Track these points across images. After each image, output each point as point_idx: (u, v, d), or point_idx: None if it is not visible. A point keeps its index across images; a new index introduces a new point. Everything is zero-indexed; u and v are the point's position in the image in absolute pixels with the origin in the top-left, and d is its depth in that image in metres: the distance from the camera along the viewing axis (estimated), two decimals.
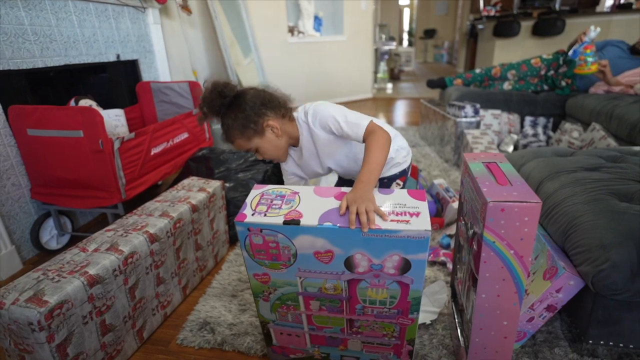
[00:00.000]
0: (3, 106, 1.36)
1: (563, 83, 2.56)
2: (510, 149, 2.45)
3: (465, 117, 2.20)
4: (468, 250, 0.85)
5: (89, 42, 1.72)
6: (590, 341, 0.90)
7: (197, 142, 1.91)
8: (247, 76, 3.30)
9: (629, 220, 0.84)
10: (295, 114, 1.01)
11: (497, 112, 2.55)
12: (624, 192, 0.97)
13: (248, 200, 0.79)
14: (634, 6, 3.82)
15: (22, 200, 1.45)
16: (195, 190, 1.29)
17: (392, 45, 6.53)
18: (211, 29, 2.97)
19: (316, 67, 4.33)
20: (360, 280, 0.75)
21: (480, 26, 5.34)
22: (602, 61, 2.20)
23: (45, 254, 1.52)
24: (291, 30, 4.16)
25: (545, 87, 2.70)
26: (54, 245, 1.55)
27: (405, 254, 0.69)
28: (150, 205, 1.18)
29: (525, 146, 2.47)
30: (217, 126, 2.55)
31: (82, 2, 1.67)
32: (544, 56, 2.67)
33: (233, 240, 1.52)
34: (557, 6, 4.23)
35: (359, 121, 0.91)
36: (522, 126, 2.62)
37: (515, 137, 2.49)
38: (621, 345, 0.88)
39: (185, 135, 1.79)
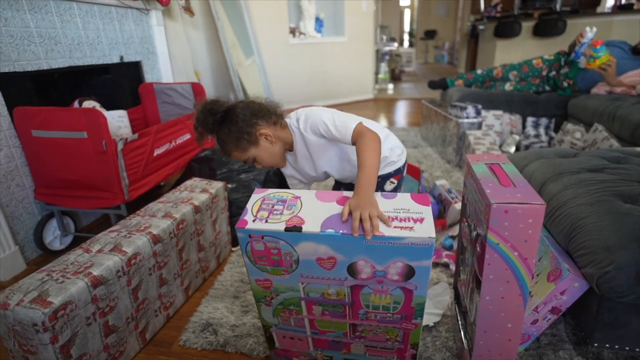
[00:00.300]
0: (8, 107, 1.37)
1: (565, 84, 2.56)
2: (512, 149, 2.45)
3: (467, 118, 2.20)
4: (471, 252, 0.85)
5: (93, 44, 1.73)
6: (596, 344, 0.89)
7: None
8: (249, 77, 3.31)
9: (634, 222, 0.84)
10: (287, 120, 1.03)
11: (499, 112, 2.55)
12: (628, 193, 0.97)
13: (249, 205, 0.78)
14: (635, 7, 3.81)
15: (26, 200, 1.46)
16: (198, 192, 1.29)
17: (393, 46, 6.53)
18: (213, 31, 2.98)
19: (317, 68, 4.34)
20: (363, 286, 0.74)
21: (481, 27, 5.34)
22: (612, 58, 2.19)
23: (49, 254, 1.52)
24: (292, 32, 4.17)
25: (547, 88, 2.70)
26: (57, 245, 1.55)
27: (409, 260, 0.69)
28: (153, 206, 1.19)
29: (527, 147, 2.47)
30: None
31: (86, 5, 1.68)
32: (546, 57, 2.67)
33: (235, 241, 1.52)
34: (557, 7, 4.23)
35: (347, 123, 0.91)
36: (524, 127, 2.62)
37: (517, 137, 2.49)
38: (627, 348, 0.88)
39: (187, 136, 1.80)
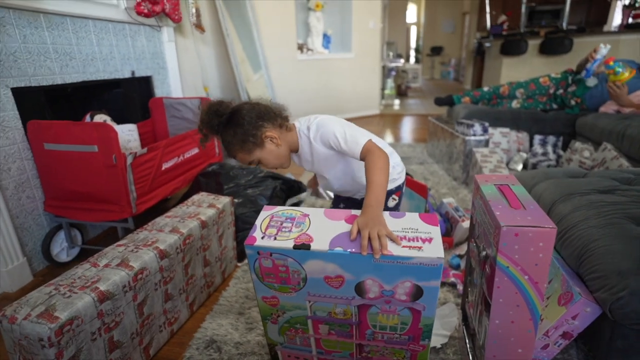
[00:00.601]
0: (22, 121, 1.40)
1: (572, 102, 2.56)
2: (520, 167, 2.44)
3: (474, 135, 2.20)
4: (480, 273, 0.84)
5: (106, 59, 1.77)
6: None
7: (207, 157, 1.93)
8: (257, 92, 3.35)
9: None
10: (296, 124, 1.03)
11: (506, 130, 2.55)
12: None
13: (258, 222, 0.78)
14: None
15: (35, 212, 1.47)
16: (205, 206, 1.30)
17: (400, 63, 6.61)
18: (223, 47, 3.04)
19: (324, 84, 4.39)
20: (370, 305, 0.73)
21: (487, 44, 5.40)
22: (634, 72, 2.15)
23: (55, 266, 1.53)
24: (300, 48, 4.24)
25: (554, 106, 2.69)
26: (64, 257, 1.56)
27: (418, 280, 0.68)
28: (160, 220, 1.19)
29: (534, 165, 2.45)
30: None
31: (101, 22, 1.73)
32: (553, 75, 2.67)
33: (241, 256, 1.52)
34: (564, 25, 4.27)
35: (357, 139, 0.92)
36: (531, 145, 2.61)
37: (524, 155, 2.48)
38: None
39: (195, 151, 1.82)
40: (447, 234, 1.59)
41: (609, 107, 2.33)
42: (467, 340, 0.98)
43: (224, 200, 1.36)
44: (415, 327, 0.75)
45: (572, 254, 0.94)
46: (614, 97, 2.22)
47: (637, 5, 3.92)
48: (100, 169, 1.35)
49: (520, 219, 0.68)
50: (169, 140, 1.61)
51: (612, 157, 1.86)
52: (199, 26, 2.61)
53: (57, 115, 1.60)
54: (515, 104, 2.79)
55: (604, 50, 2.25)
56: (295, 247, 0.70)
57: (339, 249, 0.69)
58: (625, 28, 4.06)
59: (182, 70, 2.41)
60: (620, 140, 1.89)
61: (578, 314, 0.84)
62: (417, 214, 0.79)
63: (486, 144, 2.22)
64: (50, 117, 1.53)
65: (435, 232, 0.72)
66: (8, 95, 1.35)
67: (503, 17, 5.03)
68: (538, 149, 2.50)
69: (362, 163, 1.05)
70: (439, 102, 3.15)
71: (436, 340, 1.03)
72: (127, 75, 1.92)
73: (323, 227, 0.75)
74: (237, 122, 0.93)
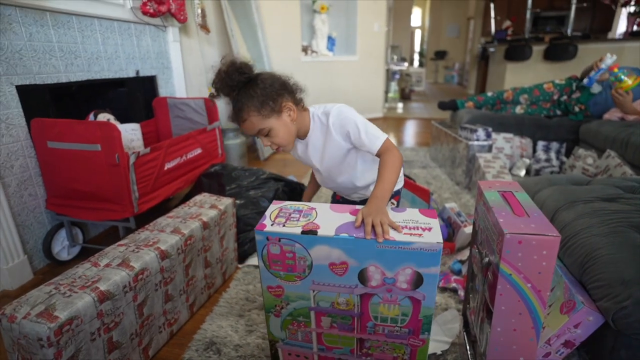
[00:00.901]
0: (26, 119, 1.40)
1: (576, 109, 2.55)
2: (523, 173, 2.43)
3: (477, 140, 2.19)
4: (482, 279, 0.84)
5: (111, 58, 1.78)
6: None
7: (210, 157, 1.93)
8: None
9: None
10: (311, 108, 1.01)
11: (509, 135, 2.54)
12: None
13: (267, 212, 0.82)
14: None
15: (37, 210, 1.47)
16: (207, 207, 1.30)
17: (404, 66, 6.61)
18: (228, 48, 3.05)
19: (328, 86, 4.40)
20: (372, 295, 0.76)
21: (491, 49, 5.39)
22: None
23: (55, 264, 1.53)
24: (305, 50, 4.24)
25: (558, 112, 2.69)
26: (64, 256, 1.56)
27: (418, 267, 0.71)
28: (162, 220, 1.19)
29: (537, 171, 2.44)
30: (229, 142, 2.59)
31: (107, 21, 1.74)
32: (557, 81, 2.67)
33: (242, 258, 1.51)
34: (568, 32, 4.26)
35: (378, 134, 0.93)
36: (534, 150, 2.60)
37: (527, 161, 2.47)
38: None
39: (198, 151, 1.82)
40: (449, 239, 1.58)
41: (612, 114, 2.32)
42: (468, 347, 0.97)
43: (226, 202, 1.36)
44: (415, 318, 0.76)
45: (575, 262, 0.94)
46: (618, 104, 2.21)
47: None
48: (103, 168, 1.35)
49: (524, 226, 0.68)
50: (172, 140, 1.61)
51: (616, 165, 1.85)
52: (204, 27, 2.61)
53: (61, 114, 1.60)
54: (519, 109, 2.78)
55: (609, 60, 2.24)
56: (303, 232, 0.73)
57: (344, 235, 0.72)
58: (630, 35, 4.06)
59: (186, 70, 2.41)
60: (624, 148, 1.89)
61: (580, 322, 0.84)
62: (417, 209, 0.82)
63: (489, 149, 2.21)
64: (54, 116, 1.54)
65: (435, 223, 0.76)
66: (13, 93, 1.35)
67: (507, 23, 5.03)
68: (541, 155, 2.49)
69: (365, 167, 1.05)
70: (442, 106, 3.14)
71: (437, 347, 1.02)
72: (132, 74, 1.92)
73: (329, 217, 0.79)
74: (258, 84, 0.90)
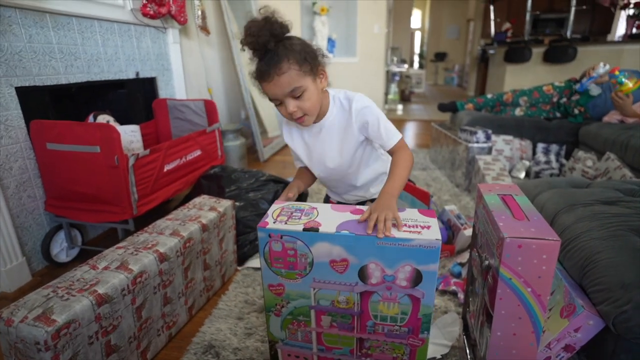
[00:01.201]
0: (26, 120, 1.40)
1: (576, 111, 2.55)
2: (522, 175, 2.43)
3: (477, 142, 2.19)
4: (482, 283, 0.83)
5: (111, 60, 1.78)
6: None
7: (210, 159, 1.93)
8: (260, 94, 3.36)
9: None
10: (331, 92, 0.96)
11: (509, 137, 2.54)
12: None
13: (270, 211, 0.83)
14: None
15: (36, 212, 1.47)
16: (206, 209, 1.29)
17: (404, 68, 6.61)
18: (228, 49, 3.05)
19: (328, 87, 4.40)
20: (372, 293, 0.76)
21: (491, 51, 5.40)
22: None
23: (54, 266, 1.52)
24: None
25: (558, 114, 2.69)
26: (63, 257, 1.56)
27: (417, 264, 0.72)
28: (161, 223, 1.19)
29: (537, 173, 2.44)
30: (228, 143, 2.59)
31: (107, 23, 1.74)
32: (556, 83, 2.67)
33: (241, 260, 1.51)
34: (568, 34, 4.27)
35: (395, 131, 0.94)
36: (534, 153, 2.60)
37: (527, 163, 2.47)
38: None
39: (198, 153, 1.81)
40: (448, 241, 1.58)
41: (612, 117, 2.32)
42: (467, 351, 0.97)
43: (225, 204, 1.36)
44: (415, 317, 0.77)
45: (575, 266, 0.93)
46: (618, 107, 2.21)
47: None
48: (102, 169, 1.35)
49: (523, 230, 0.68)
50: (171, 142, 1.61)
51: (615, 167, 1.85)
52: (204, 28, 2.61)
53: (61, 115, 1.60)
54: (518, 111, 2.79)
55: (601, 69, 2.29)
56: (305, 229, 0.74)
57: (345, 232, 0.73)
58: (629, 38, 4.06)
59: (186, 72, 2.41)
60: (623, 150, 1.89)
61: (581, 326, 0.83)
62: (416, 209, 0.83)
63: (489, 151, 2.21)
64: (54, 117, 1.54)
65: (433, 222, 0.76)
66: (12, 95, 1.35)
67: (507, 25, 5.04)
68: (541, 157, 2.49)
69: (368, 164, 1.03)
70: (442, 108, 3.15)
71: (437, 351, 1.02)
72: (132, 76, 1.92)
73: (330, 216, 0.80)
74: (300, 40, 0.85)
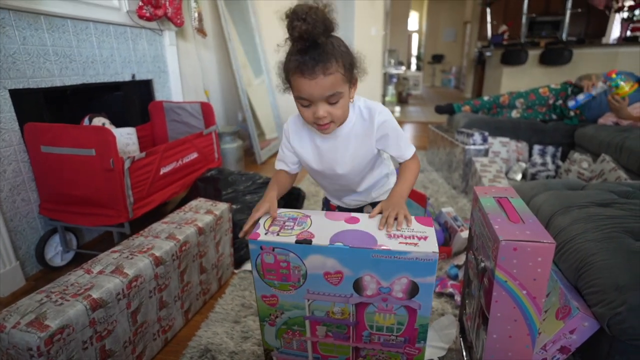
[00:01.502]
0: (20, 123, 1.39)
1: (571, 113, 2.56)
2: (519, 177, 2.44)
3: (474, 144, 2.20)
4: (478, 285, 0.83)
5: (107, 62, 1.77)
6: None
7: (206, 162, 1.92)
8: (257, 96, 3.35)
9: None
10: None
11: (506, 139, 2.55)
12: (638, 230, 0.95)
13: (261, 221, 0.81)
14: None
15: (30, 215, 1.46)
16: (203, 212, 1.29)
17: (401, 70, 6.64)
18: (224, 51, 3.04)
19: None
20: (368, 304, 0.75)
21: (488, 53, 5.43)
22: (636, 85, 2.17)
23: (48, 270, 1.51)
24: None
25: (554, 117, 2.70)
26: (58, 261, 1.54)
27: (414, 276, 0.70)
28: (157, 226, 1.18)
29: (533, 175, 2.45)
30: (225, 146, 2.58)
31: (103, 25, 1.73)
32: (552, 86, 2.69)
33: (238, 263, 1.50)
34: (563, 36, 4.30)
35: (409, 143, 0.97)
36: (530, 154, 2.61)
37: (523, 165, 2.48)
38: None
39: (194, 155, 1.81)
40: (445, 243, 1.58)
41: (607, 119, 2.34)
42: (464, 353, 0.97)
43: (221, 207, 1.35)
44: (411, 327, 0.76)
45: (570, 267, 0.94)
46: (614, 109, 2.23)
47: (635, 18, 3.95)
48: (98, 172, 1.34)
49: (519, 233, 0.68)
50: (167, 144, 1.61)
51: (611, 169, 1.86)
52: (201, 30, 2.61)
53: (56, 118, 1.59)
54: (515, 113, 2.80)
55: (599, 89, 2.29)
56: (298, 241, 0.72)
57: (339, 244, 0.71)
58: (623, 41, 4.09)
59: (183, 74, 2.41)
60: (618, 152, 1.90)
61: (576, 328, 0.83)
62: (413, 217, 0.81)
63: (486, 153, 2.22)
64: (49, 120, 1.53)
65: (430, 232, 0.75)
66: (5, 97, 1.34)
67: (504, 27, 5.06)
68: (537, 159, 2.51)
69: (371, 176, 1.02)
70: (439, 110, 3.16)
71: (434, 353, 1.02)
72: (128, 78, 1.92)
73: (324, 225, 0.78)
74: (344, 43, 0.81)
